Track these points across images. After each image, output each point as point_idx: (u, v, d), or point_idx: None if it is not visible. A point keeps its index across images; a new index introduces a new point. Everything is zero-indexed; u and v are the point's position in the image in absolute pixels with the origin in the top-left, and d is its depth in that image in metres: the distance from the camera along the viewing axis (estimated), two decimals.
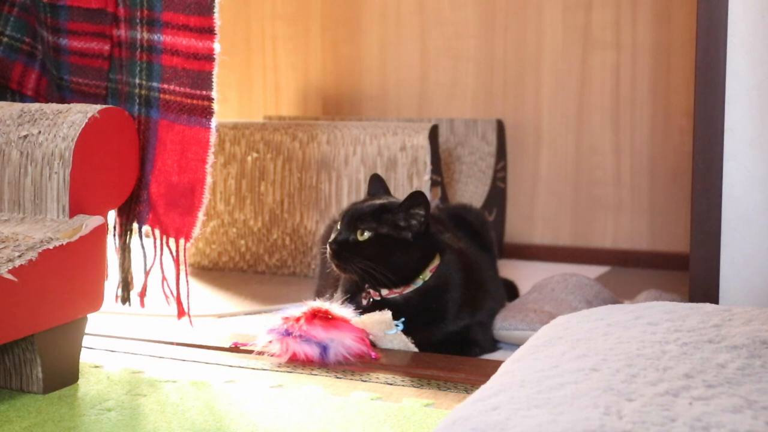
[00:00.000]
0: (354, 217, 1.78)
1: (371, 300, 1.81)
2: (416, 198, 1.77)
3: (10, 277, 1.41)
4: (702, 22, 1.75)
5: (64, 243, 1.52)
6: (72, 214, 1.59)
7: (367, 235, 1.76)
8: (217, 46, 1.72)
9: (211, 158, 1.75)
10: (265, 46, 3.43)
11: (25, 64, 2.02)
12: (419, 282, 1.80)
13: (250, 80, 3.46)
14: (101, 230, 1.61)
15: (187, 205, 1.77)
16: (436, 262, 1.82)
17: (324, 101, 3.35)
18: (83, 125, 1.61)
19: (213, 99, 1.73)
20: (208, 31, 1.71)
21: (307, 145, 2.64)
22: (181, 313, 1.83)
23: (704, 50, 1.76)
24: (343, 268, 1.77)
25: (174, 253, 1.80)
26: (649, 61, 2.91)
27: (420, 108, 3.20)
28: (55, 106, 1.68)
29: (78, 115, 1.63)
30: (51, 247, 1.49)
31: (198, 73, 1.73)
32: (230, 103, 3.48)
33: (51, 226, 1.56)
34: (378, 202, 1.83)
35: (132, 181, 1.75)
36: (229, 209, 2.75)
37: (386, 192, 1.93)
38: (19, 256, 1.44)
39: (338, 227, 1.80)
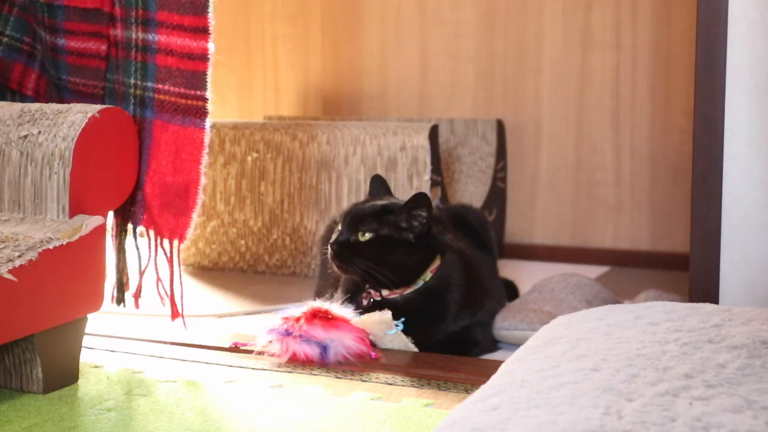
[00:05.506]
0: (355, 218, 1.78)
1: (372, 300, 1.81)
2: (419, 200, 1.77)
3: (10, 277, 1.41)
4: (702, 22, 1.75)
5: (64, 243, 1.52)
6: (72, 214, 1.59)
7: (368, 236, 1.76)
8: (211, 46, 1.71)
9: (205, 159, 1.74)
10: (265, 46, 3.43)
11: (25, 64, 2.02)
12: (420, 283, 1.80)
13: (250, 80, 3.46)
14: (101, 230, 1.61)
15: (182, 205, 1.76)
16: (437, 262, 1.82)
17: (324, 101, 3.35)
18: (83, 125, 1.61)
19: (207, 99, 1.72)
20: (203, 31, 1.71)
21: (307, 145, 2.64)
22: (174, 314, 1.82)
23: (704, 50, 1.75)
24: (344, 269, 1.77)
25: (168, 254, 1.80)
26: (649, 61, 2.91)
27: (420, 108, 3.20)
28: (55, 106, 1.68)
29: (78, 115, 1.63)
30: (51, 247, 1.49)
31: (192, 73, 1.72)
32: (230, 103, 3.48)
33: (51, 226, 1.56)
34: (380, 203, 1.82)
35: (132, 181, 1.75)
36: (229, 209, 2.75)
37: (388, 192, 1.93)
38: (19, 256, 1.44)
39: (339, 228, 1.80)
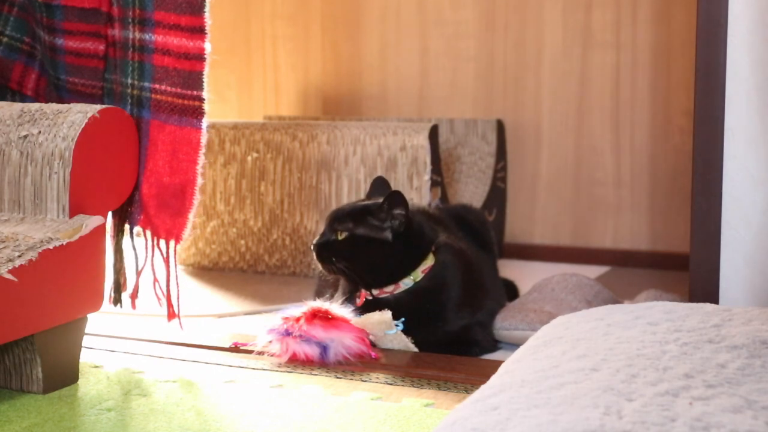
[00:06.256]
0: (334, 218, 1.82)
1: (364, 299, 1.82)
2: (395, 198, 1.78)
3: (10, 277, 1.41)
4: (702, 22, 1.75)
5: (64, 243, 1.52)
6: (72, 214, 1.59)
7: (343, 235, 1.78)
8: (207, 46, 1.71)
9: (202, 159, 1.74)
10: (265, 46, 3.43)
11: (25, 64, 2.02)
12: (409, 282, 1.81)
13: (250, 80, 3.46)
14: (101, 230, 1.61)
15: (178, 206, 1.75)
16: (429, 262, 1.82)
17: (324, 101, 3.35)
18: (83, 125, 1.61)
19: (204, 99, 1.72)
20: (199, 31, 1.71)
21: (307, 145, 2.64)
22: (171, 315, 1.81)
23: (704, 50, 1.75)
24: (326, 268, 1.81)
25: (164, 255, 1.79)
26: (649, 61, 2.91)
27: (420, 108, 3.20)
28: (55, 106, 1.68)
29: (78, 115, 1.63)
30: (51, 247, 1.49)
31: (189, 73, 1.72)
32: (230, 103, 3.48)
33: (51, 226, 1.56)
34: (362, 203, 1.86)
35: (132, 181, 1.75)
36: (229, 209, 2.75)
37: None
38: (19, 256, 1.44)
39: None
